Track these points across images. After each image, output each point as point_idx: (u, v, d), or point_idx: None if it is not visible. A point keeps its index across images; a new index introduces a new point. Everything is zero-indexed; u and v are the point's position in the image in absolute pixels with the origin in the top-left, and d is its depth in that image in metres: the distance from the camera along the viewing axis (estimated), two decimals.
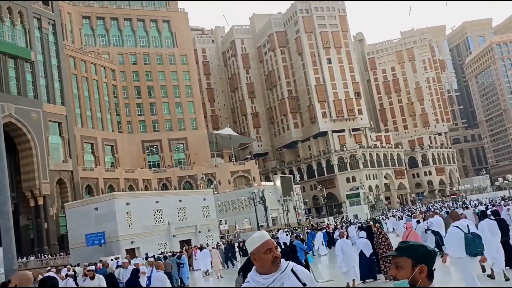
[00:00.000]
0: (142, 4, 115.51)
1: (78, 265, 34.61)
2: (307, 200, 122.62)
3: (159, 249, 44.31)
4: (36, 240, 71.41)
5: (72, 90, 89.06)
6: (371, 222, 25.06)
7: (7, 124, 66.49)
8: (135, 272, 18.48)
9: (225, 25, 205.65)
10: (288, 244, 19.73)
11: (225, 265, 32.60)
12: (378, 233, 16.20)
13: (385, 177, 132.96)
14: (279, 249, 3.90)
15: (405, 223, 24.91)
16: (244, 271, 8.52)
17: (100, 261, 29.36)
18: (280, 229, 59.97)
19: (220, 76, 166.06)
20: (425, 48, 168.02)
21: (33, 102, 72.52)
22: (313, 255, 30.01)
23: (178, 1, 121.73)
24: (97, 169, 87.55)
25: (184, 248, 38.52)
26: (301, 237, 26.17)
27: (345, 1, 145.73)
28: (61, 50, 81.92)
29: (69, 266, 26.93)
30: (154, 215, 47.79)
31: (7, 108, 66.21)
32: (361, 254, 15.86)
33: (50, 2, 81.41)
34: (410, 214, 44.16)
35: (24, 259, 60.22)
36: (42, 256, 63.30)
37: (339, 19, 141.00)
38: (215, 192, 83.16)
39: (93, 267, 16.47)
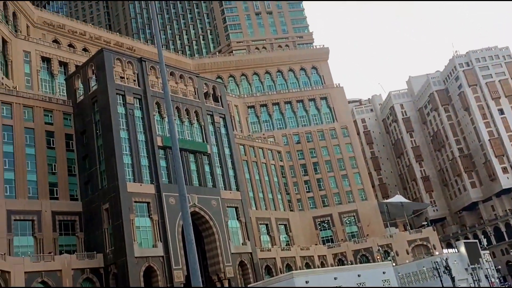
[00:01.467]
0: (299, 86, 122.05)
1: None
2: (499, 266, 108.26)
3: None
4: None
5: (244, 175, 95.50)
6: None
7: (192, 213, 73.40)
8: None
9: (381, 92, 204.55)
10: None
11: None
12: None
13: None
14: None
15: None
16: None
17: None
18: None
19: (383, 143, 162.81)
20: None
21: (212, 191, 79.30)
22: None
23: (334, 77, 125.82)
24: (274, 249, 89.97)
25: None
26: None
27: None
28: (232, 140, 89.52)
29: None
30: None
31: (191, 199, 73.39)
32: None
33: (219, 98, 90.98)
34: None
35: None
36: None
37: (505, 66, 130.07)
38: (394, 264, 78.65)
39: None
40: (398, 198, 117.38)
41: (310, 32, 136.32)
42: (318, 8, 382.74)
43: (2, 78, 75.40)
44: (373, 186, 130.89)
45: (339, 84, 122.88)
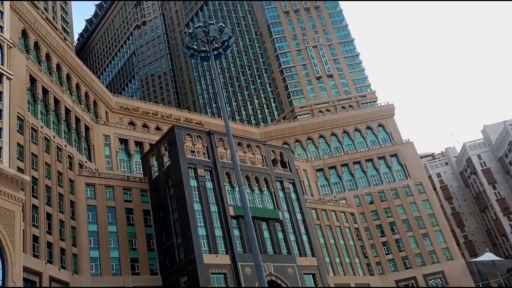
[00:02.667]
0: (367, 145, 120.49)
1: None
2: None
3: None
4: None
5: (319, 240, 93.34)
6: None
7: (269, 282, 72.00)
8: None
9: (455, 144, 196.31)
10: None
11: None
12: None
13: None
14: None
15: None
16: None
17: None
18: None
19: (463, 197, 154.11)
20: None
21: (288, 258, 77.85)
22: None
23: (402, 133, 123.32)
24: None
25: None
26: None
27: None
28: (303, 204, 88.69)
29: None
30: None
31: (267, 268, 72.34)
32: None
33: (287, 164, 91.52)
34: None
35: None
36: None
37: None
38: None
39: None
40: (489, 256, 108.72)
41: (372, 90, 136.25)
42: (379, 66, 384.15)
43: (86, 162, 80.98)
44: (458, 244, 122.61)
45: (408, 139, 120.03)
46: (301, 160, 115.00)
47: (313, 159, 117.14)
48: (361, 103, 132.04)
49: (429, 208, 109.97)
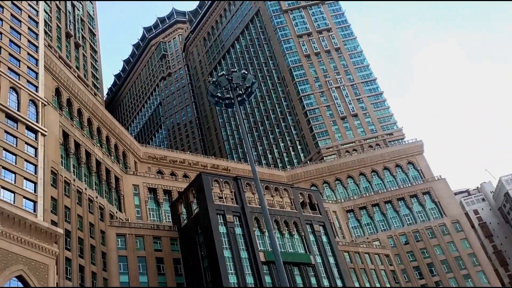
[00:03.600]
0: (397, 183, 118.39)
1: None
2: None
3: None
4: None
5: (354, 284, 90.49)
6: None
7: None
8: None
9: (490, 179, 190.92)
10: None
11: None
12: None
13: None
14: None
15: None
16: None
17: None
18: None
19: (504, 235, 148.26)
20: None
21: None
22: None
23: (433, 170, 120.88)
24: None
25: None
26: None
27: None
28: (335, 247, 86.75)
29: None
30: None
31: None
32: None
33: (317, 206, 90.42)
34: None
35: None
36: None
37: None
38: None
39: None
40: None
41: (399, 128, 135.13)
42: (405, 102, 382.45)
43: (116, 212, 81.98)
44: (502, 285, 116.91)
45: (440, 176, 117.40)
46: (330, 201, 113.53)
47: (343, 200, 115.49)
48: (388, 141, 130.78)
49: (469, 247, 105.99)
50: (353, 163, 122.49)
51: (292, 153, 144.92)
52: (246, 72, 43.61)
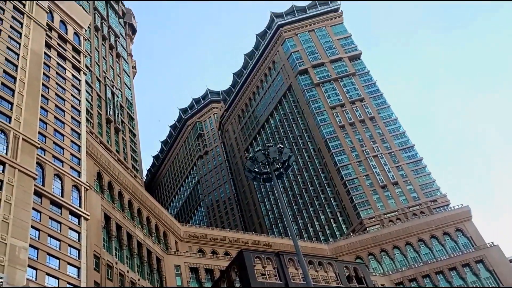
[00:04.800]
0: (447, 252, 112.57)
1: None
2: None
3: None
4: None
5: None
6: None
7: None
8: None
9: None
10: None
11: None
12: None
13: None
14: None
15: None
16: None
17: None
18: None
19: None
20: None
21: None
22: None
23: (485, 236, 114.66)
24: None
25: None
26: None
27: None
28: None
29: None
30: None
31: None
32: None
33: (363, 280, 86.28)
34: None
35: None
36: None
37: None
38: None
39: None
40: None
41: (443, 194, 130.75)
42: (447, 167, 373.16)
43: None
44: None
45: (492, 243, 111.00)
46: (377, 274, 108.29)
47: (391, 272, 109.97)
48: (433, 208, 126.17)
49: None
50: (398, 232, 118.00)
51: (334, 225, 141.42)
52: (282, 146, 43.93)
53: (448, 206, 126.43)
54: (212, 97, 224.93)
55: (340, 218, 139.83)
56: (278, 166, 43.27)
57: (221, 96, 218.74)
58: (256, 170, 43.19)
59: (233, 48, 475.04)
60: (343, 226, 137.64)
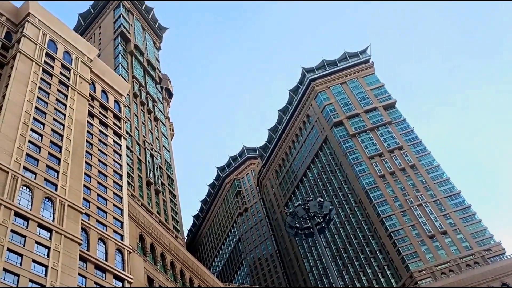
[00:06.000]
0: None
1: None
2: None
3: None
4: None
5: None
6: None
7: None
8: None
9: None
10: None
11: None
12: None
13: None
14: None
15: None
16: None
17: None
18: None
19: None
20: None
21: None
22: None
23: None
24: None
25: None
26: None
27: None
28: None
29: None
30: None
31: None
32: None
33: None
34: None
35: None
36: None
37: None
38: None
39: None
40: None
41: (497, 241, 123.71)
42: (499, 212, 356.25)
43: None
44: None
45: None
46: None
47: None
48: (488, 258, 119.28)
49: None
50: (452, 284, 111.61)
51: (382, 279, 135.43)
52: (322, 200, 43.29)
53: (504, 254, 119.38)
54: (249, 154, 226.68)
55: (388, 272, 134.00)
56: (319, 220, 42.46)
57: (257, 153, 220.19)
58: (297, 225, 42.48)
59: (265, 105, 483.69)
60: (392, 280, 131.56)
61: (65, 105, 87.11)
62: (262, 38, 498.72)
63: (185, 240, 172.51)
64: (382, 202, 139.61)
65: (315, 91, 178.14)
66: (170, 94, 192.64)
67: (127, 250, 74.25)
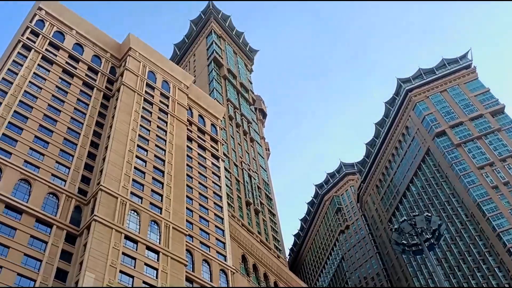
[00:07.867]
0: None
1: None
2: None
3: None
4: None
5: None
6: None
7: None
8: None
9: None
10: None
11: None
12: None
13: None
14: None
15: None
16: None
17: None
18: None
19: None
20: None
21: None
22: None
23: None
24: None
25: None
26: None
27: None
28: None
29: None
30: None
31: None
32: None
33: None
34: None
35: None
36: None
37: None
38: None
39: None
40: None
41: None
42: None
43: None
44: None
45: None
46: None
47: None
48: None
49: None
50: None
51: None
52: (429, 214, 40.36)
53: None
54: (347, 170, 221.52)
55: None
56: (428, 237, 39.44)
57: (355, 168, 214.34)
58: (404, 242, 39.80)
59: (360, 119, 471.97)
60: None
61: (165, 131, 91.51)
62: (354, 49, 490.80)
63: (287, 260, 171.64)
64: (498, 215, 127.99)
65: (413, 101, 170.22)
66: (264, 114, 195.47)
67: (231, 271, 75.05)
